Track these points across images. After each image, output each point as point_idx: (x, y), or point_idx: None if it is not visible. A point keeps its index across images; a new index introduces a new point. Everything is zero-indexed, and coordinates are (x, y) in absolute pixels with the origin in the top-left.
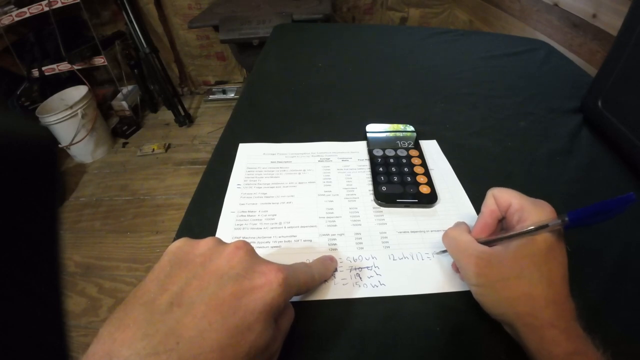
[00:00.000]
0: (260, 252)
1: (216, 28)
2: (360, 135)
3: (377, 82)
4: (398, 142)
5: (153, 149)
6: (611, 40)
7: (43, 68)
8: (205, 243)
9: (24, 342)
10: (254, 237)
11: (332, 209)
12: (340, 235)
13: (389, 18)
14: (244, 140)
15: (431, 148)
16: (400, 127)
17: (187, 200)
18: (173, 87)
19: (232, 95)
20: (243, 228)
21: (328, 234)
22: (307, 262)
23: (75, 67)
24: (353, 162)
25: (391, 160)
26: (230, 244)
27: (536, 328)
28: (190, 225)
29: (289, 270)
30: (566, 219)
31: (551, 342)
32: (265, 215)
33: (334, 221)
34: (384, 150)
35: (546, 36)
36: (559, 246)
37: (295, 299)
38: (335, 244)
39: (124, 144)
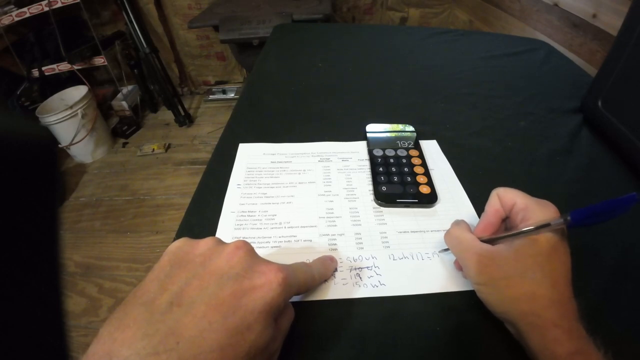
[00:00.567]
0: (260, 252)
1: (216, 28)
2: (360, 135)
3: (377, 82)
4: (398, 142)
5: (153, 149)
6: (611, 40)
7: (43, 68)
8: (205, 243)
9: (24, 342)
10: (254, 237)
11: (332, 209)
12: (341, 235)
13: (389, 18)
14: (244, 140)
15: (431, 148)
16: (400, 127)
17: (187, 200)
18: (173, 87)
19: (232, 95)
20: (243, 228)
21: (328, 234)
22: (307, 262)
23: (75, 67)
24: (353, 162)
25: (391, 160)
26: (230, 243)
27: (539, 327)
28: (190, 225)
29: (288, 270)
30: (569, 218)
31: (554, 341)
32: (265, 215)
33: (334, 221)
34: (384, 150)
35: (546, 36)
36: (562, 246)
37: (295, 298)
38: (335, 244)
39: (124, 144)
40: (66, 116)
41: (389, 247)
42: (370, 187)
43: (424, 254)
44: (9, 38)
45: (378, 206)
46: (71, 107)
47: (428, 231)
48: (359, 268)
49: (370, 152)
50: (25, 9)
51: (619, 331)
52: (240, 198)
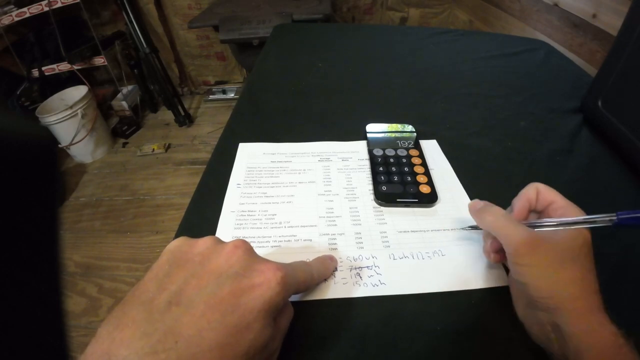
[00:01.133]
0: (260, 251)
1: (216, 28)
2: (360, 135)
3: (377, 82)
4: (398, 142)
5: (153, 149)
6: (611, 40)
7: (43, 68)
8: (203, 242)
9: (24, 342)
10: (254, 237)
11: (332, 208)
12: (341, 234)
13: (389, 18)
14: (244, 140)
15: (431, 148)
16: (400, 127)
17: (187, 200)
18: (173, 87)
19: (232, 95)
20: (243, 228)
21: (328, 234)
22: (307, 261)
23: (75, 67)
24: (353, 161)
25: (391, 160)
26: (228, 242)
27: (586, 311)
28: (190, 225)
29: (287, 269)
30: (614, 217)
31: (600, 325)
32: (265, 215)
33: (334, 221)
34: (384, 150)
35: (546, 36)
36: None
37: (294, 297)
38: (335, 244)
39: (124, 144)
40: (66, 116)
41: (389, 246)
42: (370, 187)
43: (424, 253)
44: (9, 38)
45: (378, 206)
46: (71, 107)
47: (428, 231)
48: (359, 267)
49: (370, 151)
50: (25, 9)
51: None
52: (240, 198)
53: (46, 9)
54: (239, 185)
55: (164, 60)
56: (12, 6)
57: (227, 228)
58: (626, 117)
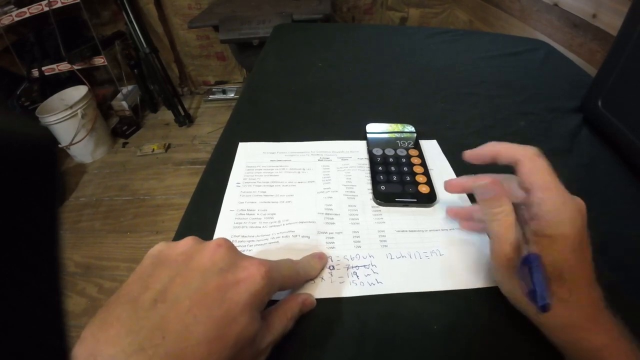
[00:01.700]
0: (258, 249)
1: (216, 28)
2: (360, 135)
3: (377, 82)
4: (398, 141)
5: (153, 149)
6: (611, 40)
7: (43, 68)
8: (185, 243)
9: (24, 342)
10: (253, 236)
11: (330, 205)
12: (339, 233)
13: (389, 18)
14: (244, 140)
15: (431, 148)
16: (400, 127)
17: (187, 200)
18: (173, 87)
19: (232, 95)
20: (242, 227)
21: (326, 232)
22: (294, 259)
23: (75, 67)
24: (353, 161)
25: (391, 160)
26: (211, 242)
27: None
28: (190, 225)
29: (271, 264)
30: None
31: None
32: (265, 214)
33: (332, 219)
34: (383, 149)
35: (546, 36)
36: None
37: (282, 295)
38: (332, 242)
39: (124, 144)
40: (66, 116)
41: (386, 246)
42: (369, 187)
43: (422, 253)
44: (9, 38)
45: (377, 205)
46: (71, 107)
47: (426, 230)
48: (356, 266)
49: (369, 151)
50: (25, 9)
51: None
52: (240, 197)
53: (46, 9)
54: (238, 184)
55: (164, 60)
56: (12, 6)
57: (226, 227)
58: (626, 117)
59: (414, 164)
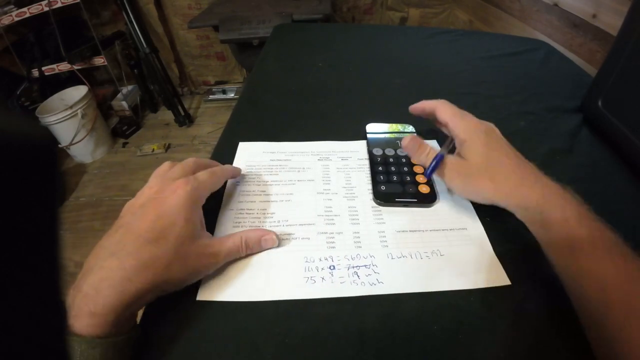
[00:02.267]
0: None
1: (216, 28)
2: (360, 135)
3: (377, 82)
4: (398, 142)
5: (153, 149)
6: (611, 40)
7: (43, 68)
8: (153, 183)
9: (24, 342)
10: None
11: (330, 207)
12: (339, 233)
13: (389, 18)
14: (244, 140)
15: None
16: (401, 127)
17: None
18: (173, 87)
19: (232, 95)
20: (241, 226)
21: (326, 232)
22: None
23: (75, 67)
24: (352, 161)
25: (391, 160)
26: (173, 183)
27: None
28: None
29: (191, 178)
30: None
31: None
32: (264, 213)
33: (333, 219)
34: (383, 150)
35: (546, 36)
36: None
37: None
38: (333, 242)
39: (124, 144)
40: (66, 116)
41: (387, 246)
42: (369, 187)
43: (423, 253)
44: (9, 38)
45: (377, 205)
46: (71, 107)
47: (427, 230)
48: (356, 266)
49: (369, 151)
50: (25, 9)
51: None
52: (239, 196)
53: (46, 9)
54: (237, 183)
55: (164, 60)
56: (12, 6)
57: (225, 226)
58: (626, 117)
59: (414, 164)
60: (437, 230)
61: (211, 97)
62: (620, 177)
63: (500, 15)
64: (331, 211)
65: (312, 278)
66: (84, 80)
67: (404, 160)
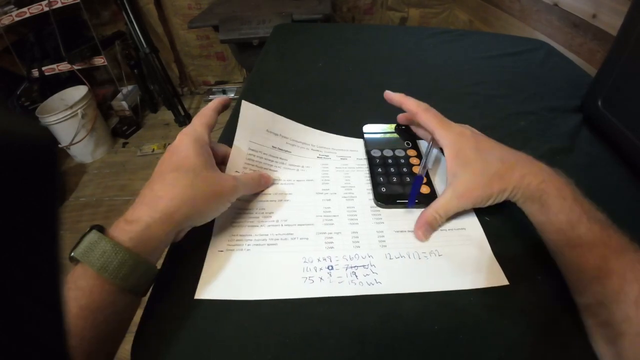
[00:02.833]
0: (256, 249)
1: (216, 28)
2: (360, 135)
3: (377, 82)
4: (396, 142)
5: (153, 149)
6: (611, 40)
7: (43, 68)
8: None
9: (24, 342)
10: (251, 235)
11: (329, 207)
12: (337, 233)
13: (388, 18)
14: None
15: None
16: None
17: None
18: (173, 87)
19: (232, 95)
20: (240, 225)
21: (325, 232)
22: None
23: (75, 67)
24: (352, 160)
25: (389, 161)
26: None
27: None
28: None
29: (188, 126)
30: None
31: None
32: (262, 213)
33: (331, 220)
34: (382, 150)
35: (546, 36)
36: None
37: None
38: (331, 242)
39: (124, 144)
40: (66, 116)
41: (385, 246)
42: (368, 187)
43: (421, 253)
44: (9, 38)
45: (375, 205)
46: (71, 107)
47: None
48: (355, 266)
49: (368, 152)
50: (25, 9)
51: None
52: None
53: (46, 9)
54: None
55: (164, 60)
56: (12, 6)
57: (225, 225)
58: (626, 117)
59: (413, 165)
60: (437, 230)
61: (211, 97)
62: (620, 177)
63: (500, 15)
64: (330, 212)
65: (310, 278)
66: (84, 80)
67: (402, 160)
